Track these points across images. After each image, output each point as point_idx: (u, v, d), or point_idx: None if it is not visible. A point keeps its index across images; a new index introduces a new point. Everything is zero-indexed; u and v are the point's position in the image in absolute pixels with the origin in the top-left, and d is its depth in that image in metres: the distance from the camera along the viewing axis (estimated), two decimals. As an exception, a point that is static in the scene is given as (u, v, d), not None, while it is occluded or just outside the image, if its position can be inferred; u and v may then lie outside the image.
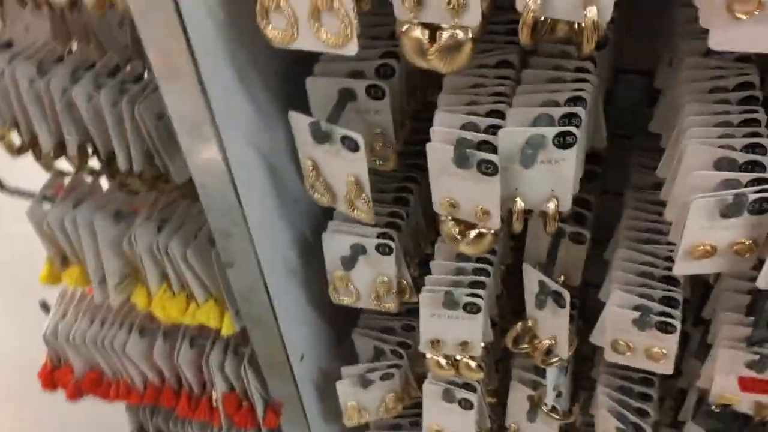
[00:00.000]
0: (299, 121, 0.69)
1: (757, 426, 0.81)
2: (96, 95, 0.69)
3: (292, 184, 0.80)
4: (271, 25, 0.58)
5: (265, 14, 0.58)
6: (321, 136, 0.66)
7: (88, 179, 0.87)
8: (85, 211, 0.83)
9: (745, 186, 0.60)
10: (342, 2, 0.54)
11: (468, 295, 0.80)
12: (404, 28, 0.55)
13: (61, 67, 0.73)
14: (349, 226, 0.82)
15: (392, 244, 0.80)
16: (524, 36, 0.53)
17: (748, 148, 0.62)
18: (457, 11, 0.53)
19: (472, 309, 0.79)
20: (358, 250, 0.81)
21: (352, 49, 0.57)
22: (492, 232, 0.71)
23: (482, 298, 0.79)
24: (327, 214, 0.82)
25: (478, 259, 0.83)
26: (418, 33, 0.55)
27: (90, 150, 0.78)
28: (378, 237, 0.81)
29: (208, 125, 0.63)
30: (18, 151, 0.82)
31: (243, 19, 0.62)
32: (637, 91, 0.90)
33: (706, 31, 0.55)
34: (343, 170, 0.70)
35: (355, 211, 0.74)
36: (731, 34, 0.50)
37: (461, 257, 0.83)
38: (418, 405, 0.96)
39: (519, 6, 0.52)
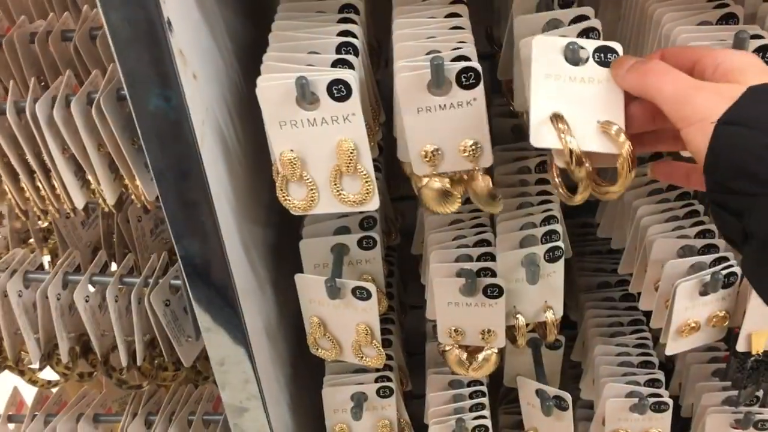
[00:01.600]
0: (307, 282, 0.72)
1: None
2: (92, 296, 0.68)
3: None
4: (290, 196, 0.62)
5: (285, 187, 0.62)
6: (335, 292, 0.70)
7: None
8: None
9: (710, 266, 0.70)
10: (364, 165, 0.60)
11: (474, 419, 0.83)
12: (424, 182, 0.61)
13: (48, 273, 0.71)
14: (344, 377, 0.84)
15: (392, 386, 0.83)
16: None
17: (700, 235, 0.73)
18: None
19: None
20: (361, 398, 0.83)
21: (374, 204, 0.62)
22: (496, 351, 0.76)
23: (487, 418, 0.83)
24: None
25: (470, 383, 0.87)
26: (438, 184, 0.61)
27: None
28: (376, 381, 0.83)
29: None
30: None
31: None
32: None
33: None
34: (354, 321, 0.73)
35: (364, 359, 0.76)
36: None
37: (454, 384, 0.87)
38: None
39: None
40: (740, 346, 0.72)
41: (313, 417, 0.87)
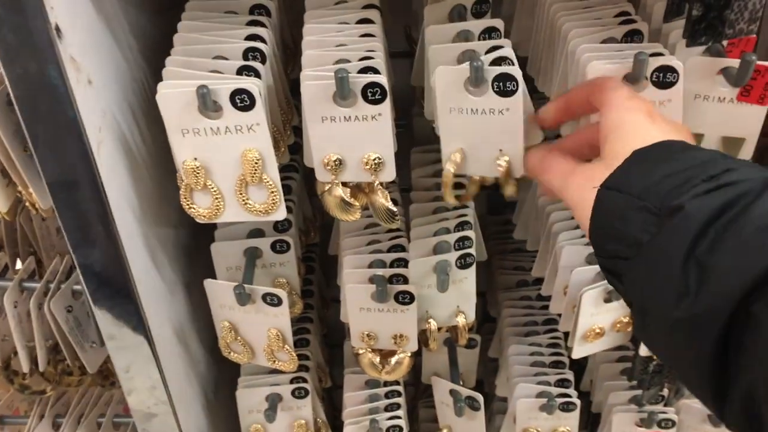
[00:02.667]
0: (216, 288, 0.71)
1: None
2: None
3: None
4: (195, 204, 0.61)
5: (189, 195, 0.60)
6: (245, 298, 0.69)
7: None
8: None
9: (616, 273, 0.72)
10: (270, 175, 0.59)
11: (388, 419, 0.84)
12: (326, 188, 0.61)
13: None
14: (258, 378, 0.83)
15: (308, 387, 0.83)
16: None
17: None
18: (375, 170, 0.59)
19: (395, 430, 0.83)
20: (275, 399, 0.83)
21: (281, 214, 0.61)
22: (409, 355, 0.77)
23: (402, 418, 0.84)
24: None
25: (386, 383, 0.88)
26: (339, 192, 0.61)
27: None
28: (292, 382, 0.83)
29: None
30: None
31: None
32: (485, 205, 1.04)
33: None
34: (265, 326, 0.72)
35: (276, 362, 0.76)
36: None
37: (370, 383, 0.88)
38: None
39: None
40: (643, 351, 0.74)
41: (229, 418, 0.87)
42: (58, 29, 0.49)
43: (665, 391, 0.84)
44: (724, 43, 0.61)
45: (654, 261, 0.42)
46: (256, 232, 0.75)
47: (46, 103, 0.51)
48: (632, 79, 0.56)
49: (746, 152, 0.62)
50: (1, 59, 0.49)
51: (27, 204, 0.60)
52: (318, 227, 0.91)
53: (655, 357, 0.75)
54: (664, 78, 0.57)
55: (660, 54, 0.57)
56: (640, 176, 0.44)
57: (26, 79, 0.50)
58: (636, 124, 0.49)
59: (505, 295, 0.96)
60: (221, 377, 0.86)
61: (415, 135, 0.91)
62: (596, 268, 0.72)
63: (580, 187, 0.49)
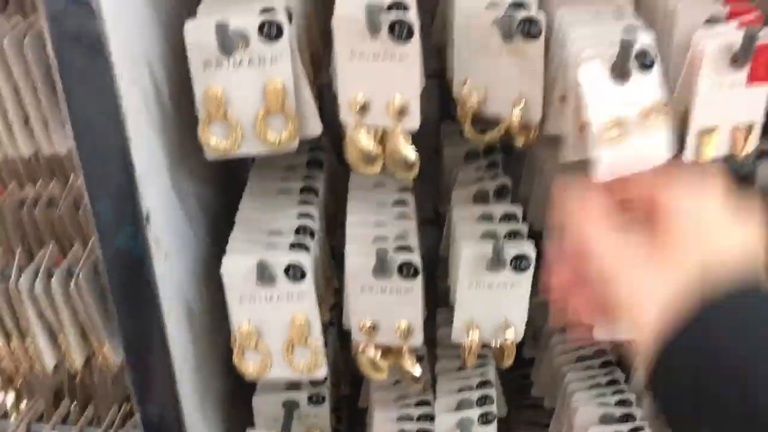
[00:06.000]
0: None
1: None
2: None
3: None
4: (245, 364, 0.68)
5: (242, 355, 0.68)
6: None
7: None
8: None
9: (627, 434, 0.77)
10: (314, 337, 0.66)
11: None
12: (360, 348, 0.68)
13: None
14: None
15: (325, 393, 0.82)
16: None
17: (619, 404, 0.80)
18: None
19: None
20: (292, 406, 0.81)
21: (322, 373, 0.68)
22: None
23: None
24: None
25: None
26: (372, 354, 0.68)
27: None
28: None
29: None
30: None
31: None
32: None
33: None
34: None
35: None
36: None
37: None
38: None
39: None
40: None
41: None
42: (148, 217, 0.59)
43: None
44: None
45: None
46: (293, 385, 0.82)
47: (129, 276, 0.60)
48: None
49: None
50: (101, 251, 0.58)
51: (100, 359, 0.68)
52: (348, 381, 0.97)
53: None
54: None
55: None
56: (731, 343, 0.39)
57: (117, 259, 0.59)
58: (711, 213, 0.43)
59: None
60: None
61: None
62: (610, 428, 0.77)
63: (637, 296, 0.42)
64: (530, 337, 0.97)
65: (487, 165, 0.79)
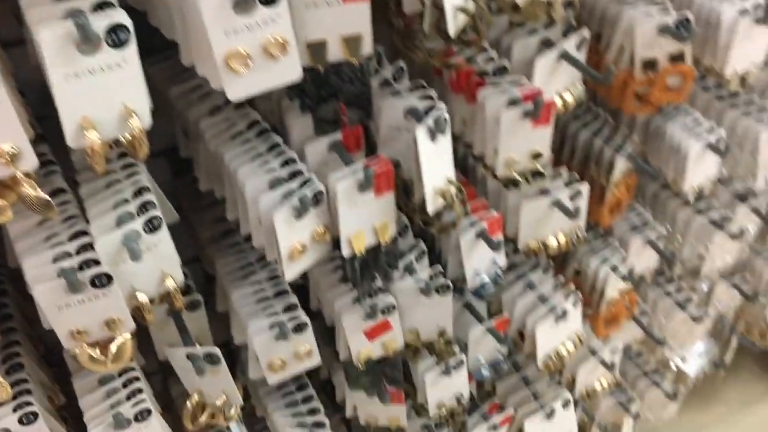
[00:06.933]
0: None
1: (393, 362, 1.01)
2: None
3: None
4: None
5: None
6: None
7: None
8: None
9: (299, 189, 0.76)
10: None
11: (133, 406, 0.81)
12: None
13: None
14: None
15: (35, 409, 0.76)
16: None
17: (284, 165, 0.78)
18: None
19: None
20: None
21: None
22: (129, 337, 0.74)
23: (147, 401, 0.82)
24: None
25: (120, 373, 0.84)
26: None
27: None
28: (15, 410, 0.76)
29: None
30: None
31: None
32: (167, 170, 1.02)
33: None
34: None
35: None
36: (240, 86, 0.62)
37: (103, 381, 0.83)
38: None
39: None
40: (345, 252, 0.80)
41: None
42: None
43: (378, 282, 0.91)
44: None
45: None
46: None
47: None
48: None
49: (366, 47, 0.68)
50: None
51: None
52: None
53: (357, 252, 0.81)
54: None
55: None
56: None
57: None
58: None
59: (213, 247, 0.96)
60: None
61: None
62: (280, 190, 0.75)
63: None
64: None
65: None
